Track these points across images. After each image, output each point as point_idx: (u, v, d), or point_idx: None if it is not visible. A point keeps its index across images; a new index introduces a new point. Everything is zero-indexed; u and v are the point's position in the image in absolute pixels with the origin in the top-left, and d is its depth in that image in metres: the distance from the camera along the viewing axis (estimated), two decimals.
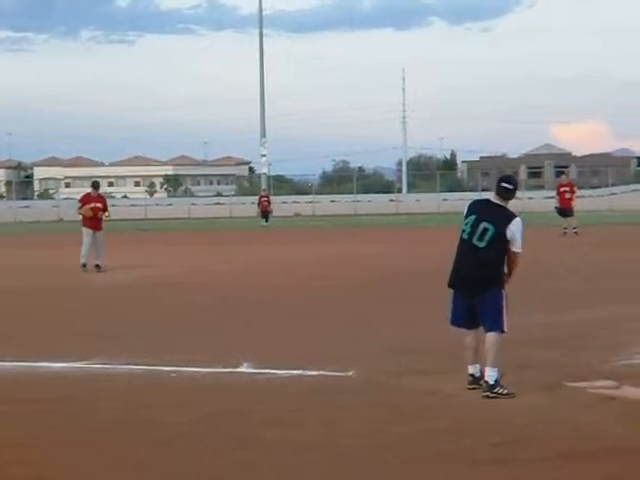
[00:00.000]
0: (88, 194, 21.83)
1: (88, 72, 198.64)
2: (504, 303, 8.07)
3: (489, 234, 8.07)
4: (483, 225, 8.11)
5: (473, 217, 8.22)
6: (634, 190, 67.58)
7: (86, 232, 21.25)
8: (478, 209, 8.29)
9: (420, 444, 6.60)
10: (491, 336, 8.05)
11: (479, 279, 8.11)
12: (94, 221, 21.25)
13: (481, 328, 8.21)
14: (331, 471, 6.04)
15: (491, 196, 8.38)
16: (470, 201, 8.56)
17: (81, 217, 21.61)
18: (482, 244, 8.10)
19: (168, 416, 7.57)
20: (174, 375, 9.21)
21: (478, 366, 8.25)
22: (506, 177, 8.47)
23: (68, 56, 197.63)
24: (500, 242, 8.07)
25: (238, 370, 9.32)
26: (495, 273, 8.11)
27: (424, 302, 14.50)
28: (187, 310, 14.27)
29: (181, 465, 6.24)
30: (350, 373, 9.06)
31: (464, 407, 7.67)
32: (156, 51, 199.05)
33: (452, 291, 8.39)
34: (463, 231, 8.24)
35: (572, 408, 7.57)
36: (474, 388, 8.20)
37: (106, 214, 21.56)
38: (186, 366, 9.51)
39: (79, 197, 22.65)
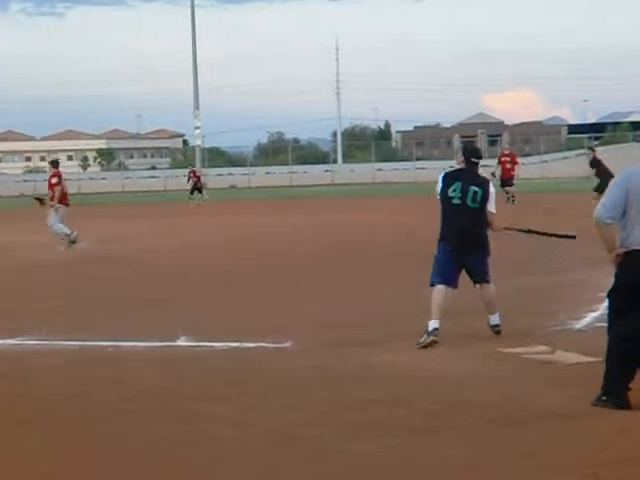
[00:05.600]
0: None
1: (18, 45, 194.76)
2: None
3: (479, 195, 8.99)
4: (473, 189, 8.99)
5: (459, 184, 9.03)
6: (565, 157, 68.46)
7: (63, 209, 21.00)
8: (459, 177, 9.13)
9: (355, 415, 6.64)
10: (489, 286, 9.09)
11: (474, 237, 9.02)
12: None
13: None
14: (272, 445, 6.04)
15: (462, 166, 9.21)
16: (443, 174, 9.26)
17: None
18: (476, 205, 9.00)
19: (103, 392, 7.50)
20: (111, 350, 9.14)
21: (438, 322, 8.75)
22: (473, 151, 9.45)
23: None
24: (486, 202, 9.03)
25: (175, 344, 9.28)
26: (485, 231, 9.13)
27: (359, 275, 14.59)
28: (123, 285, 14.15)
29: (118, 443, 6.16)
30: (287, 345, 9.09)
31: (399, 377, 7.73)
32: (87, 23, 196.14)
33: (439, 254, 9.07)
34: (451, 197, 9.00)
35: (506, 374, 7.70)
36: (429, 345, 8.62)
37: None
38: (123, 341, 9.45)
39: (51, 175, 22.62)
